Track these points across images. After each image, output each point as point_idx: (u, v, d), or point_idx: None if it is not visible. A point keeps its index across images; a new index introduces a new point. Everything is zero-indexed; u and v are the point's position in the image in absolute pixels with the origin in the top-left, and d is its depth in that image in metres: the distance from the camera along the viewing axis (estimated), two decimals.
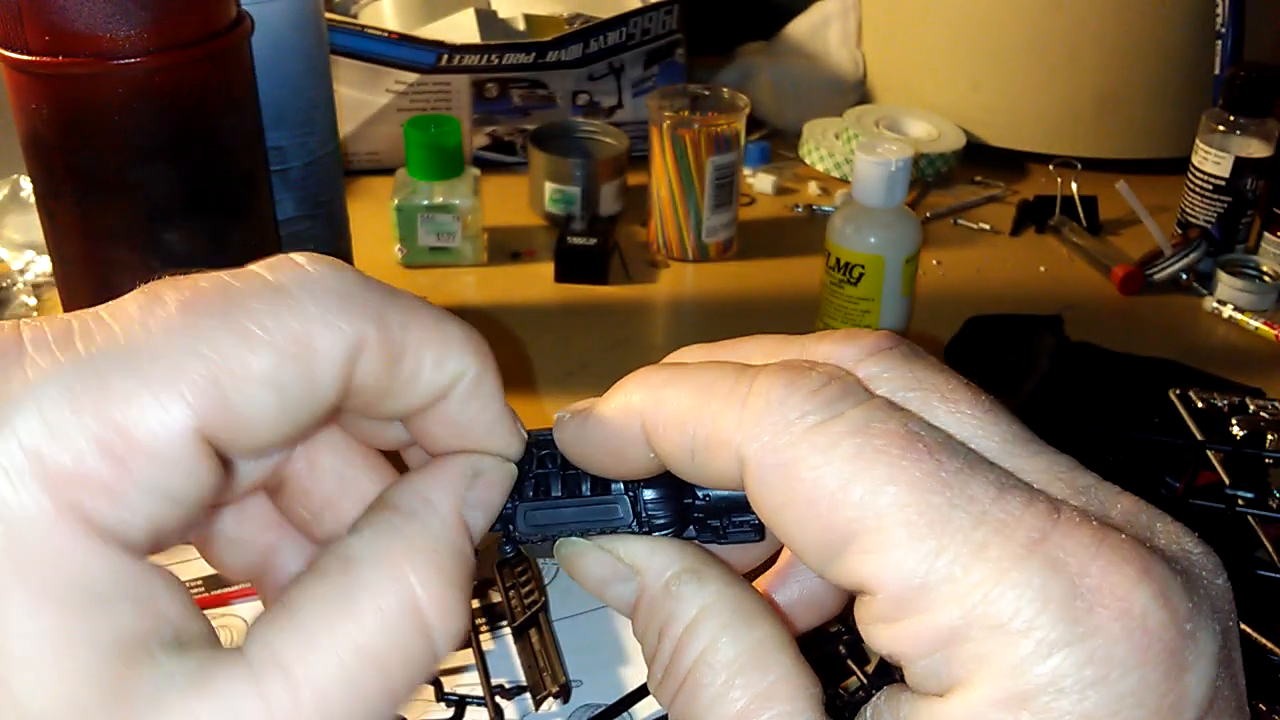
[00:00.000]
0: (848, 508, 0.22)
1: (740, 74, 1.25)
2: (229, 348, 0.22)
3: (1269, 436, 0.70)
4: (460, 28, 1.13)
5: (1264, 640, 0.53)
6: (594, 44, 1.13)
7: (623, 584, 0.28)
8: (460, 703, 0.56)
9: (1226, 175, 0.98)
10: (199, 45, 0.57)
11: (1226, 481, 0.65)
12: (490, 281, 0.98)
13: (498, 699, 0.57)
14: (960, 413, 0.25)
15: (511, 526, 0.28)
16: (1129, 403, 0.80)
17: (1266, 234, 0.98)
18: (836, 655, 0.53)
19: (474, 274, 0.99)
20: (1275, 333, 0.92)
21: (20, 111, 0.58)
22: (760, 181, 1.14)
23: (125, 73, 0.55)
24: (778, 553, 0.31)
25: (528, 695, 0.58)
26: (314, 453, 0.29)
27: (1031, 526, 0.21)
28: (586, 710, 0.58)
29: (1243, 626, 0.54)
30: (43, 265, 0.96)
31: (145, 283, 0.24)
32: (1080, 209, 1.08)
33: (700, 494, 0.28)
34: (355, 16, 1.17)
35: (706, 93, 1.01)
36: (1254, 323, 0.93)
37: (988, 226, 1.09)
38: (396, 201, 0.96)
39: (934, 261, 1.03)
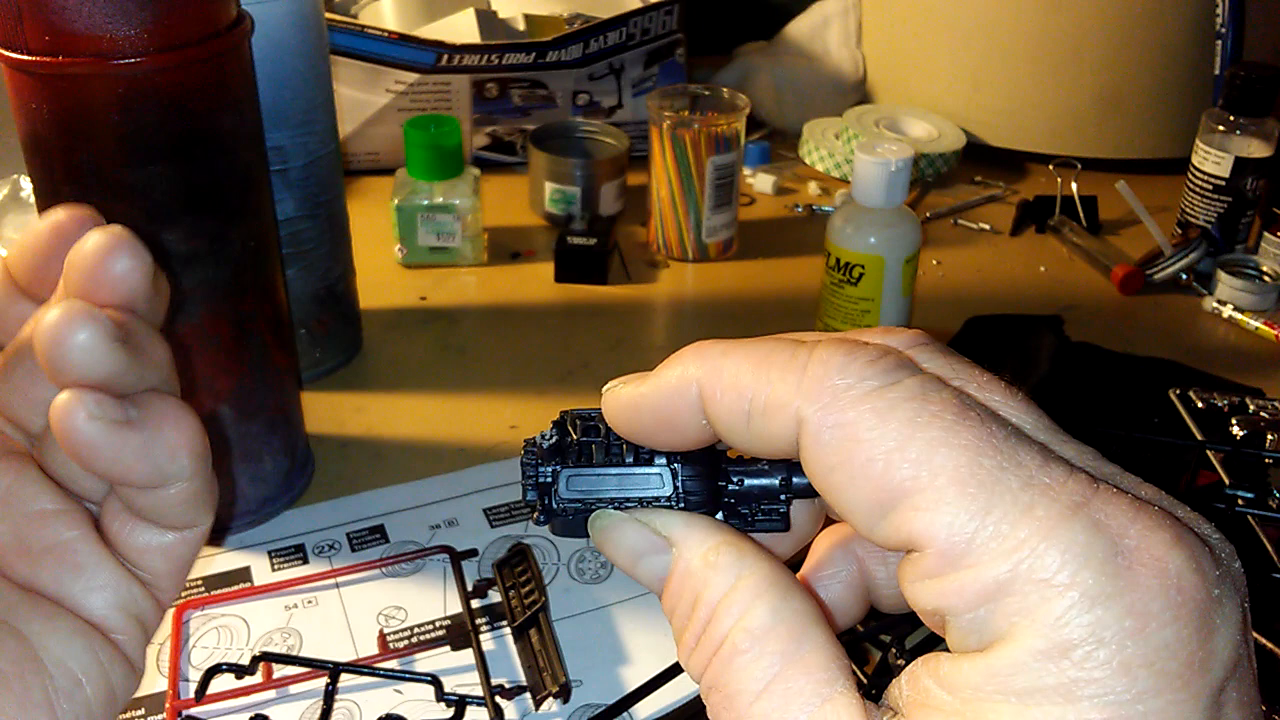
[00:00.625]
0: (902, 466, 0.23)
1: (740, 74, 1.25)
2: None
3: (1269, 436, 0.70)
4: (460, 28, 1.13)
5: (1264, 640, 0.53)
6: (594, 44, 1.13)
7: (657, 557, 0.29)
8: (460, 703, 0.56)
9: (1226, 175, 0.98)
10: (199, 45, 0.57)
11: (1226, 481, 0.65)
12: (490, 281, 0.98)
13: (498, 699, 0.57)
14: (995, 399, 0.26)
15: (550, 495, 0.29)
16: (1129, 403, 0.80)
17: (1266, 234, 0.98)
18: (858, 640, 0.53)
19: (474, 274, 0.99)
20: (1275, 333, 0.92)
21: (20, 111, 0.58)
22: (760, 181, 1.14)
23: (125, 73, 0.55)
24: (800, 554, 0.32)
25: (528, 695, 0.58)
26: None
27: (1075, 491, 0.23)
28: (586, 710, 0.58)
29: None
30: None
31: None
32: (1080, 209, 1.08)
33: (734, 478, 0.29)
34: (355, 16, 1.17)
35: (706, 93, 1.01)
36: (1254, 323, 0.93)
37: (988, 226, 1.09)
38: (396, 201, 0.96)
39: (934, 261, 1.03)
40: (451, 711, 0.56)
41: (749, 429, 0.26)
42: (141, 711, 0.58)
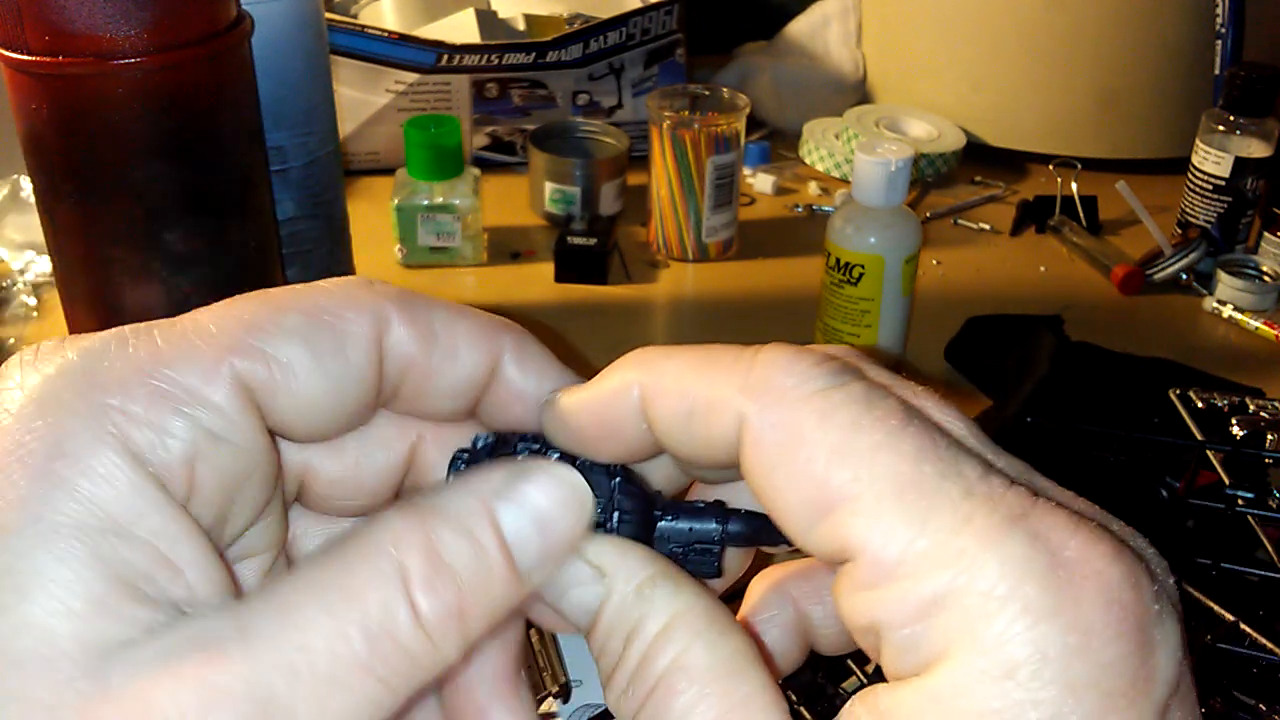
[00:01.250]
0: (842, 470, 0.23)
1: (740, 74, 1.25)
2: (263, 310, 0.25)
3: (1269, 436, 0.70)
4: (460, 28, 1.13)
5: (1265, 641, 0.53)
6: (594, 44, 1.13)
7: (586, 587, 0.26)
8: None
9: (1226, 175, 0.98)
10: (199, 45, 0.57)
11: (1226, 481, 0.65)
12: (490, 281, 0.98)
13: None
14: (931, 409, 0.25)
15: None
16: (1129, 403, 0.79)
17: (1266, 234, 0.98)
18: (839, 657, 0.53)
19: (474, 274, 0.99)
20: (1275, 333, 0.92)
21: (20, 111, 0.58)
22: (760, 181, 1.14)
23: (125, 73, 0.55)
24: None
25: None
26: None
27: (1014, 503, 0.22)
28: (586, 710, 0.58)
29: (1243, 626, 0.54)
30: (43, 265, 0.96)
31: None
32: (1080, 209, 1.08)
33: (669, 515, 0.28)
34: (355, 16, 1.17)
35: (706, 93, 1.01)
36: (1254, 323, 0.93)
37: (988, 226, 1.09)
38: (396, 201, 0.96)
39: (934, 261, 1.03)
40: None
41: (689, 429, 0.25)
42: None
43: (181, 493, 0.24)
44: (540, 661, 0.59)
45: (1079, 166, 1.11)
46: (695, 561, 0.28)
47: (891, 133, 1.18)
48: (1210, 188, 0.99)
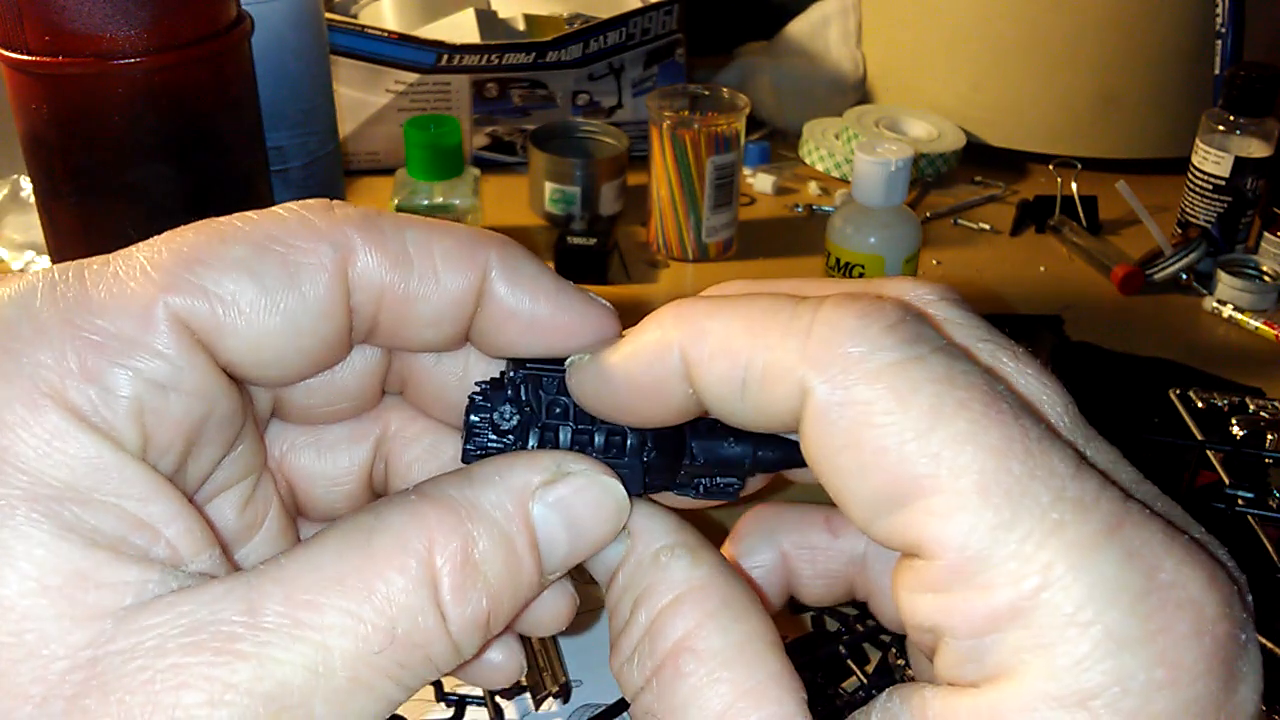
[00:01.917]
0: (920, 460, 0.20)
1: (740, 74, 1.25)
2: (204, 241, 0.23)
3: (1269, 436, 0.70)
4: (460, 28, 1.13)
5: (1264, 640, 0.53)
6: (594, 44, 1.13)
7: (611, 545, 0.25)
8: (460, 702, 0.56)
9: (1226, 175, 0.98)
10: (199, 45, 0.57)
11: (1226, 481, 0.65)
12: None
13: (498, 699, 0.57)
14: (1028, 374, 0.23)
15: None
16: (1129, 403, 0.79)
17: (1266, 234, 0.98)
18: (836, 655, 0.53)
19: None
20: (1275, 333, 0.92)
21: (20, 111, 0.58)
22: (760, 181, 1.14)
23: (125, 73, 0.55)
24: None
25: (528, 695, 0.58)
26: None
27: (1108, 511, 0.20)
28: (586, 710, 0.58)
29: None
30: (43, 265, 0.95)
31: None
32: (1080, 209, 1.08)
33: (697, 454, 0.27)
34: (355, 16, 1.17)
35: (706, 93, 1.01)
36: (1254, 323, 0.93)
37: (988, 226, 1.09)
38: (396, 201, 0.96)
39: (934, 261, 1.03)
40: (451, 711, 0.56)
41: (744, 399, 0.23)
42: None
43: (135, 447, 0.22)
44: (540, 661, 0.59)
45: (1079, 166, 1.11)
46: (718, 485, 0.27)
47: (891, 133, 1.18)
48: (1210, 188, 0.99)
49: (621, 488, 0.25)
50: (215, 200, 0.61)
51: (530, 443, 0.26)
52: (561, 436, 0.26)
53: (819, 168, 1.17)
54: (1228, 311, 0.94)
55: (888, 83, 1.26)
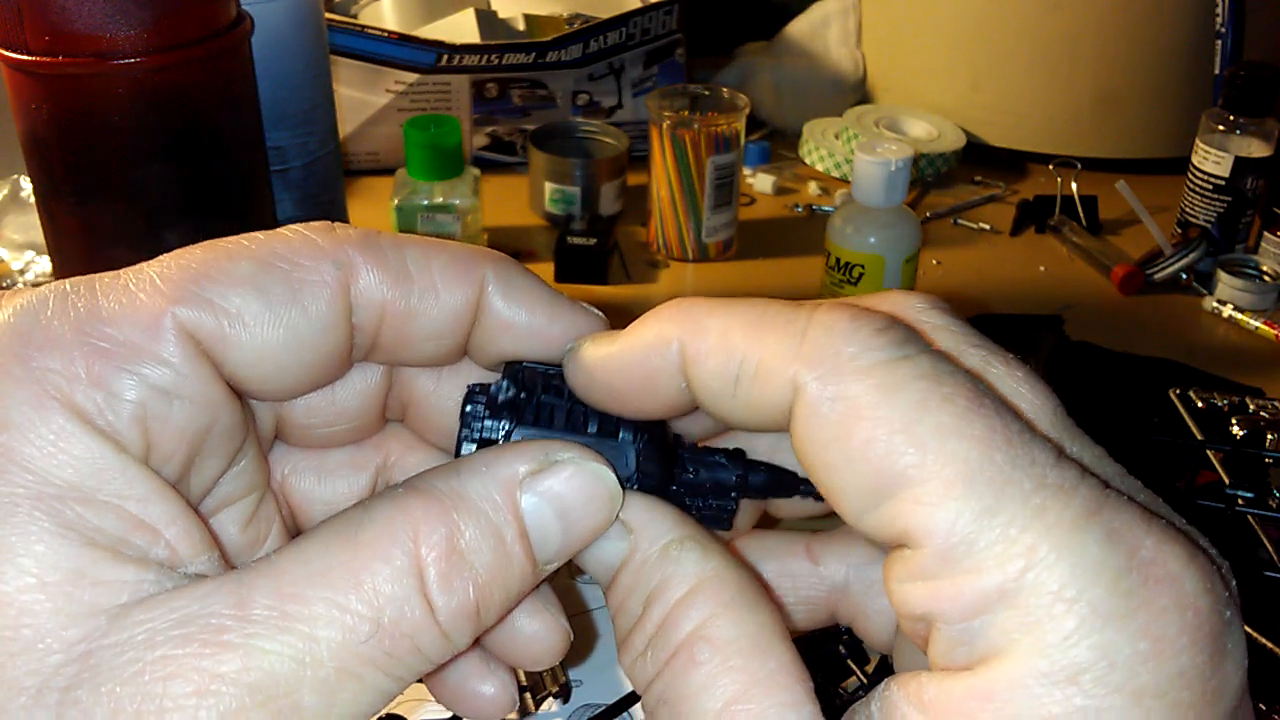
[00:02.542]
0: (907, 451, 0.21)
1: (740, 74, 1.25)
2: (212, 258, 0.24)
3: (1269, 436, 0.70)
4: (460, 28, 1.13)
5: (1264, 640, 0.53)
6: (594, 44, 1.13)
7: (609, 542, 0.26)
8: None
9: (1226, 175, 0.98)
10: (199, 45, 0.57)
11: (1226, 481, 0.65)
12: None
13: None
14: (1015, 376, 0.24)
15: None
16: (1129, 403, 0.80)
17: (1266, 234, 0.98)
18: (836, 655, 0.53)
19: None
20: (1275, 333, 0.92)
21: (20, 111, 0.58)
22: (760, 181, 1.14)
23: (125, 73, 0.55)
24: None
25: (528, 695, 0.58)
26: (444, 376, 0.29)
27: (1088, 497, 0.21)
28: (586, 710, 0.58)
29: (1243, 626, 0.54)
30: (43, 265, 0.96)
31: None
32: (1080, 209, 1.08)
33: (690, 468, 0.27)
34: (355, 16, 1.17)
35: (706, 93, 1.01)
36: (1254, 323, 0.93)
37: (988, 226, 1.09)
38: (396, 201, 0.96)
39: (934, 261, 1.03)
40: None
41: (735, 394, 0.24)
42: None
43: (138, 451, 0.22)
44: None
45: (1079, 166, 1.11)
46: (711, 508, 0.28)
47: (891, 133, 1.18)
48: (1210, 187, 0.99)
49: (612, 474, 0.25)
50: (215, 200, 0.61)
51: (523, 432, 0.26)
52: (555, 423, 0.27)
53: (819, 168, 1.17)
54: (1228, 311, 0.94)
55: (888, 83, 1.26)
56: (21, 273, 0.96)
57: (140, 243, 0.62)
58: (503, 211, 1.07)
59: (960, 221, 1.10)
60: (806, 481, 0.28)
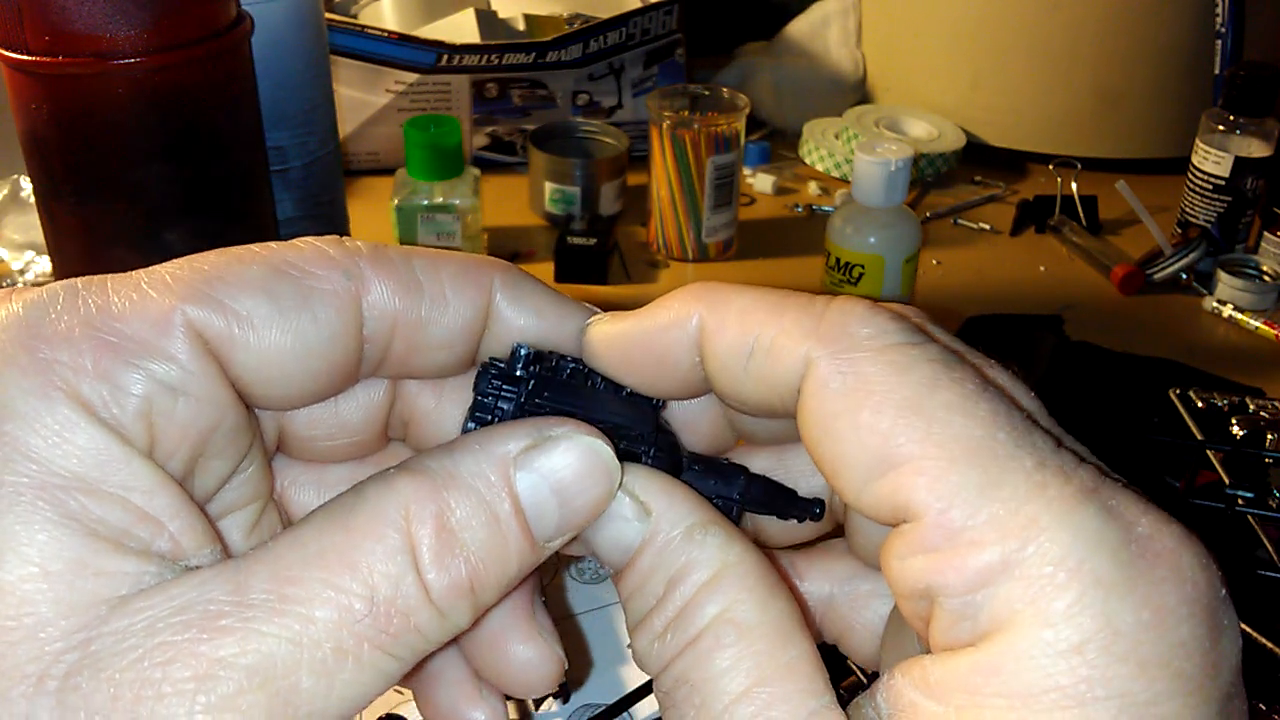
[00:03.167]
0: (914, 425, 0.22)
1: (740, 74, 1.25)
2: (224, 261, 0.24)
3: (1269, 436, 0.70)
4: (460, 28, 1.13)
5: (1264, 640, 0.53)
6: (594, 44, 1.13)
7: (626, 524, 0.25)
8: None
9: (1226, 175, 0.98)
10: (199, 45, 0.57)
11: (1226, 481, 0.65)
12: None
13: None
14: (1000, 379, 0.24)
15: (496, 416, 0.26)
16: (1129, 403, 0.80)
17: (1266, 234, 0.98)
18: (836, 654, 0.53)
19: None
20: (1275, 333, 0.92)
21: (20, 111, 0.58)
22: (760, 181, 1.14)
23: (125, 73, 0.55)
24: None
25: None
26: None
27: (1086, 477, 0.21)
28: (586, 710, 0.58)
29: (1243, 626, 0.54)
30: (43, 265, 0.96)
31: None
32: (1080, 209, 1.08)
33: (694, 466, 0.28)
34: (355, 16, 1.17)
35: (706, 93, 1.01)
36: (1254, 323, 0.93)
37: (988, 226, 1.09)
38: (396, 201, 0.96)
39: (934, 261, 1.03)
40: None
41: (747, 368, 0.24)
42: None
43: (142, 445, 0.22)
44: None
45: (1079, 166, 1.11)
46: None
47: (891, 133, 1.18)
48: (1210, 187, 0.99)
49: (608, 448, 0.25)
50: (215, 200, 0.61)
51: (538, 404, 0.27)
52: (565, 399, 0.27)
53: (819, 168, 1.17)
54: (1228, 311, 0.94)
55: (888, 83, 1.26)
56: (21, 273, 0.96)
57: (140, 243, 0.62)
58: (503, 211, 1.07)
59: (960, 221, 1.10)
60: (803, 501, 0.29)
